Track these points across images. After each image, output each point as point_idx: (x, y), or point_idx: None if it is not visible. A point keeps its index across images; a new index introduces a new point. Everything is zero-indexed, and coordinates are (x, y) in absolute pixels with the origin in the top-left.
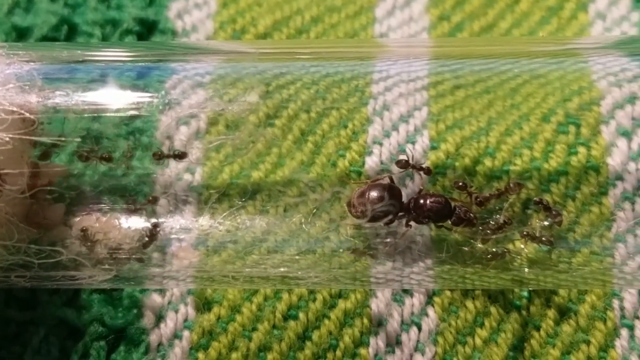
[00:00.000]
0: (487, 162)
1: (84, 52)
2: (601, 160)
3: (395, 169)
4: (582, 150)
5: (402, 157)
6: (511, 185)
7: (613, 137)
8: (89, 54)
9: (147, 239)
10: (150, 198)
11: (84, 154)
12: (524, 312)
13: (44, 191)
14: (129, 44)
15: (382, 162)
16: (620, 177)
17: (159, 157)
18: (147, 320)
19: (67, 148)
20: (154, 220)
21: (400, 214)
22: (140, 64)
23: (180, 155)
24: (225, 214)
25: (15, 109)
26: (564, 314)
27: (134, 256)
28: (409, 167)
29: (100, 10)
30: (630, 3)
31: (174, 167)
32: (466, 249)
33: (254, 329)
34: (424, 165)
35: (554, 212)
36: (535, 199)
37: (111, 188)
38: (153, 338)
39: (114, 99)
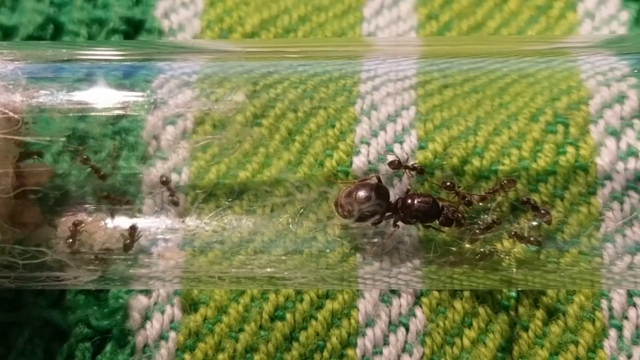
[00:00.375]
0: (476, 162)
1: (70, 51)
2: (590, 159)
3: (384, 168)
4: (570, 149)
5: (392, 157)
6: (505, 181)
7: (602, 137)
8: (75, 53)
9: (127, 241)
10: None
11: (83, 158)
12: (512, 313)
13: (28, 191)
14: (115, 43)
15: (369, 162)
16: (609, 177)
17: (163, 183)
18: (133, 321)
19: (52, 148)
20: (132, 223)
21: (388, 214)
22: (126, 63)
23: (174, 202)
24: (211, 214)
25: None
26: (552, 314)
27: (117, 257)
28: (401, 168)
29: (86, 9)
30: (619, 2)
31: (160, 167)
32: (454, 249)
33: (241, 330)
34: (416, 165)
35: (542, 211)
36: (522, 198)
37: (97, 188)
38: (139, 339)
39: (100, 98)
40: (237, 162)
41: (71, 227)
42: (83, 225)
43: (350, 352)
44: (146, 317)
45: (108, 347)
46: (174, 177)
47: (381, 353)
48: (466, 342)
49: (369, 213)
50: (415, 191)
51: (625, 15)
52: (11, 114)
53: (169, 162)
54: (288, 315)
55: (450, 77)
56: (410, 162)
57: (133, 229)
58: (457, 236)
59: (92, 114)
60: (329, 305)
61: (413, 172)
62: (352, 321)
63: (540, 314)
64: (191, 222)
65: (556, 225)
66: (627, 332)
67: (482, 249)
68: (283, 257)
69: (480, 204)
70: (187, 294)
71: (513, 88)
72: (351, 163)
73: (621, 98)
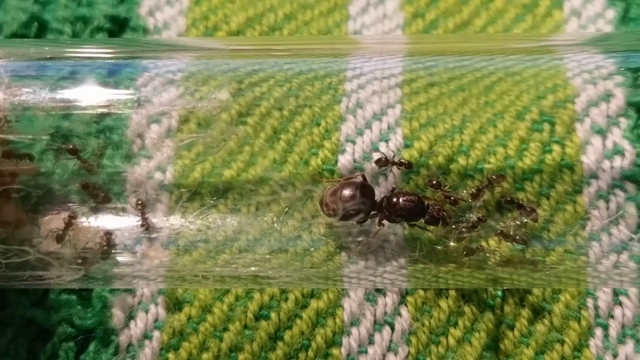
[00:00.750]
0: (461, 161)
1: (54, 49)
2: (576, 158)
3: (370, 167)
4: (556, 148)
5: (378, 155)
6: (493, 177)
7: (588, 135)
8: (59, 51)
9: (104, 248)
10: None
11: (70, 149)
12: (497, 312)
13: (10, 190)
14: (99, 41)
15: (355, 161)
16: (594, 176)
17: (138, 205)
18: (117, 320)
19: (36, 146)
20: (108, 229)
21: (373, 212)
22: (111, 61)
23: (145, 225)
24: (196, 212)
25: None
26: (538, 313)
27: (99, 259)
28: (388, 164)
29: (70, 7)
30: (605, 0)
31: (144, 165)
32: (440, 247)
33: (225, 329)
34: (403, 160)
35: (528, 209)
36: (507, 198)
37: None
38: (123, 338)
39: (84, 96)
40: (222, 160)
41: (66, 219)
42: (76, 220)
43: (335, 351)
44: (130, 317)
45: (92, 347)
46: (159, 175)
47: (366, 352)
48: (452, 341)
49: (354, 211)
50: (401, 190)
51: (611, 13)
52: None
53: (153, 160)
54: (273, 315)
55: (436, 75)
56: (397, 158)
57: (109, 235)
58: (442, 235)
59: (76, 112)
60: (314, 304)
61: (401, 168)
62: (337, 320)
63: (526, 312)
64: (176, 220)
65: (542, 223)
66: (613, 331)
67: (467, 247)
68: (268, 256)
69: (473, 202)
70: (171, 293)
71: (499, 86)
72: (336, 161)
73: (607, 96)
